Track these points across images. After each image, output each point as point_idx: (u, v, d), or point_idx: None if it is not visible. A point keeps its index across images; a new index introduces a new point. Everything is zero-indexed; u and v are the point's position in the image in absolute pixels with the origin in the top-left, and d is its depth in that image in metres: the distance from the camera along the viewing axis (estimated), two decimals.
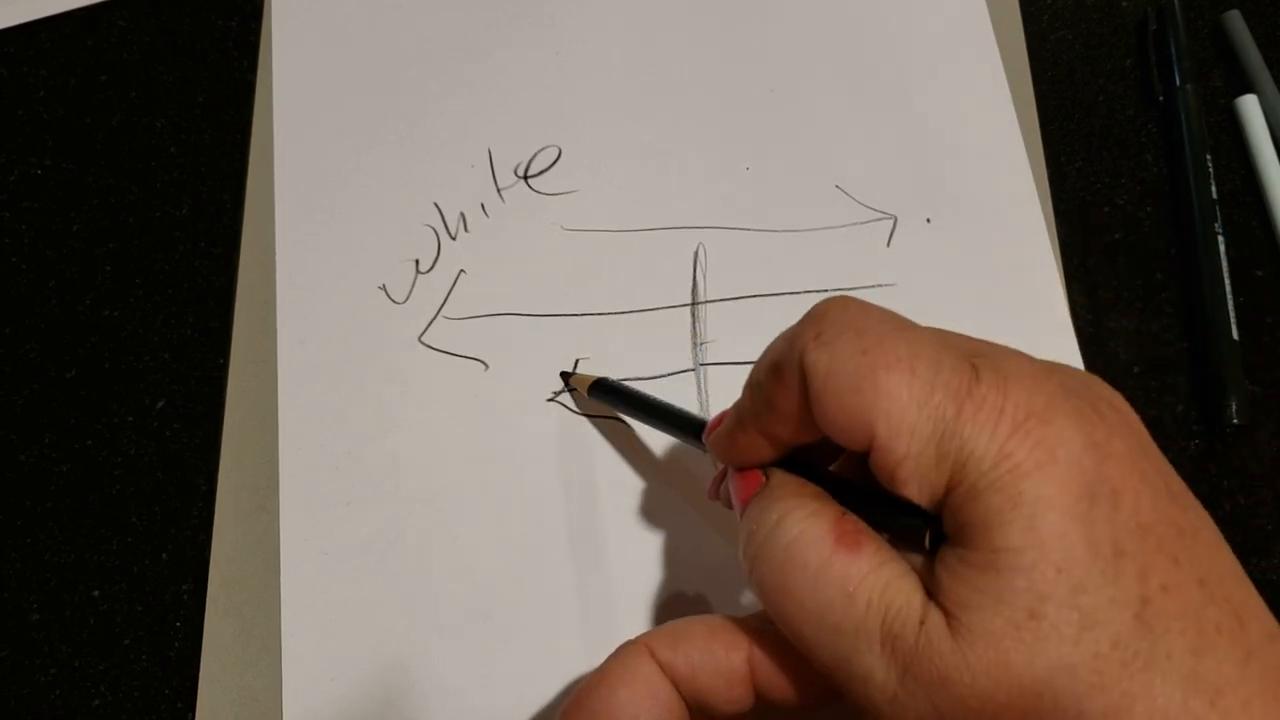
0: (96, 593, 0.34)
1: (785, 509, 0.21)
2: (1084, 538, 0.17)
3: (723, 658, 0.22)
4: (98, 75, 0.42)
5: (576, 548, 0.32)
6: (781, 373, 0.20)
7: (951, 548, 0.18)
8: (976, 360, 0.19)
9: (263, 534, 0.33)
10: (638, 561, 0.32)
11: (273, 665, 0.32)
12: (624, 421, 0.34)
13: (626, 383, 0.34)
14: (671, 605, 0.30)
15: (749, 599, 0.31)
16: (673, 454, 0.33)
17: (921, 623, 0.18)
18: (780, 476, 0.22)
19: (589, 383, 0.32)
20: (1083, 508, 0.17)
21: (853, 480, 0.22)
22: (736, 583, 0.31)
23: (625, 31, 0.40)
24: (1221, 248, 0.34)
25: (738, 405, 0.23)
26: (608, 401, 0.32)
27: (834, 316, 0.20)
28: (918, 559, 0.20)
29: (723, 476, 0.25)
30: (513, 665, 0.31)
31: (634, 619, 0.31)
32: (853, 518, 0.20)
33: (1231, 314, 0.33)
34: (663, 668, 0.23)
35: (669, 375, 0.34)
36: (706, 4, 0.40)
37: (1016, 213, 0.35)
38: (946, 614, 0.18)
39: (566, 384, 0.34)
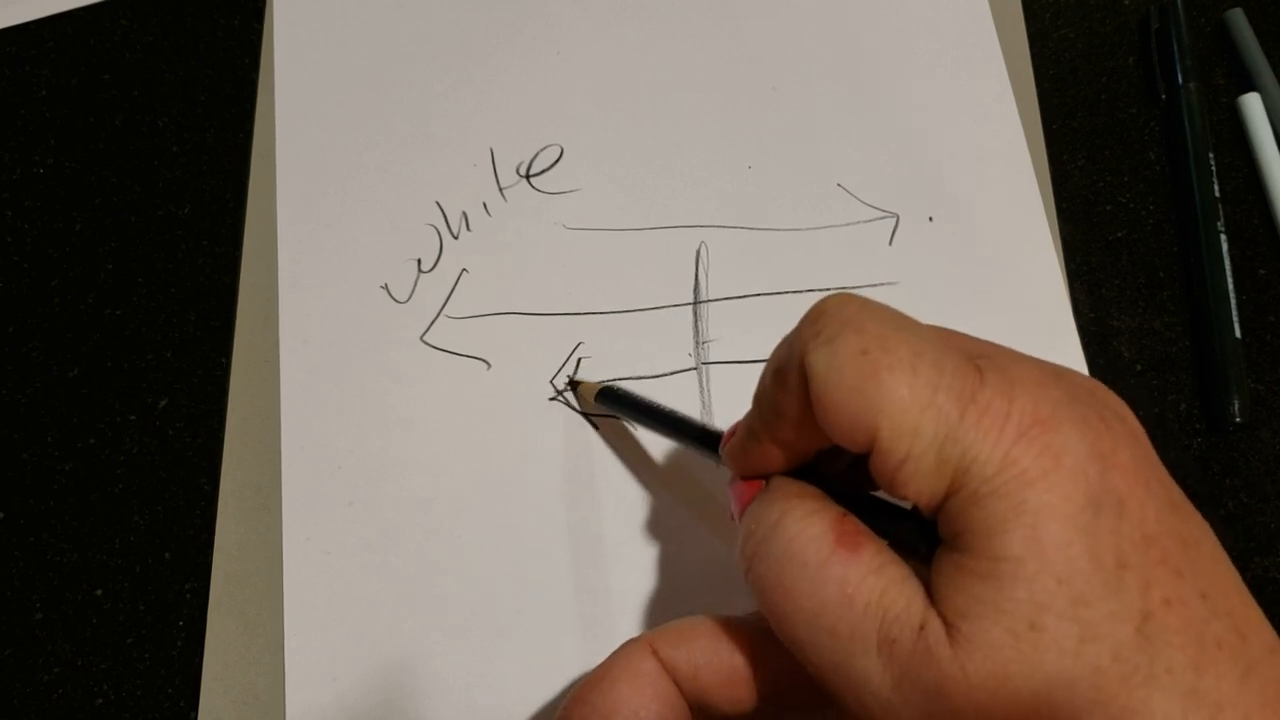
0: (99, 592, 0.34)
1: (784, 508, 0.20)
2: (1086, 549, 0.17)
3: (725, 657, 0.22)
4: (100, 74, 0.42)
5: (578, 547, 0.32)
6: (784, 376, 0.20)
7: (949, 553, 0.18)
8: (981, 363, 0.19)
9: (265, 533, 0.33)
10: (639, 561, 0.32)
11: (275, 664, 0.32)
12: (626, 423, 0.33)
13: (630, 386, 0.34)
14: (673, 605, 0.30)
15: (749, 600, 0.31)
16: (673, 455, 0.33)
17: (921, 627, 0.18)
18: (780, 479, 0.22)
19: (595, 390, 0.32)
20: (1087, 518, 0.17)
21: (851, 487, 0.22)
22: (737, 584, 0.31)
23: (627, 31, 0.40)
24: (1224, 246, 0.34)
25: (748, 416, 0.22)
26: (615, 409, 0.32)
27: (833, 314, 0.20)
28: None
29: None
30: (514, 664, 0.31)
31: (636, 618, 0.31)
32: (853, 519, 0.20)
33: (1234, 312, 0.33)
34: (665, 666, 0.23)
35: (671, 374, 0.34)
36: (708, 3, 0.40)
37: (1019, 211, 0.35)
38: (945, 621, 0.18)
39: (574, 389, 0.34)
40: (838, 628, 0.19)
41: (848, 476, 0.23)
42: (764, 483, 0.22)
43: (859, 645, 0.18)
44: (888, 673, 0.18)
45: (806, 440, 0.21)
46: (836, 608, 0.19)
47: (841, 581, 0.19)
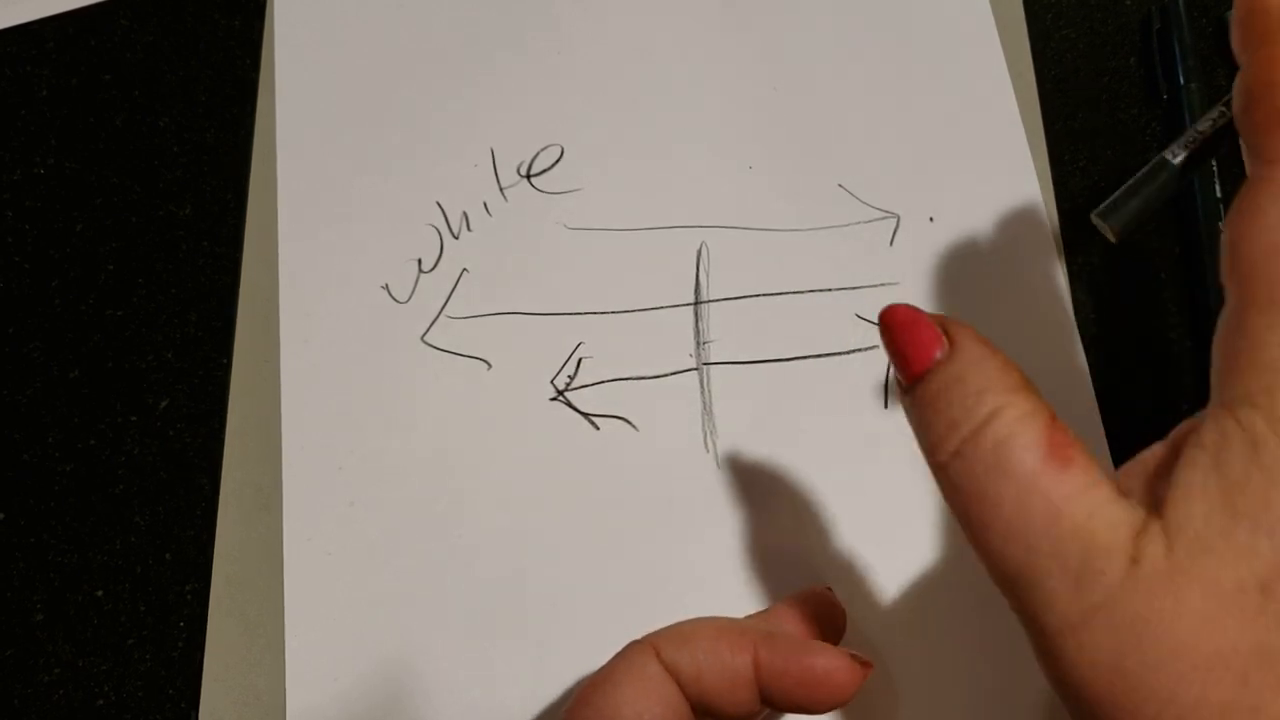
0: (100, 592, 0.34)
1: (997, 403, 0.19)
2: None
3: (728, 660, 0.23)
4: (100, 75, 0.42)
5: (579, 547, 0.32)
6: None
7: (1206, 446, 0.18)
8: None
9: (266, 533, 0.33)
10: (641, 562, 0.32)
11: (276, 665, 0.32)
12: (628, 421, 0.34)
13: (632, 386, 0.34)
14: (676, 606, 0.30)
15: (753, 601, 0.31)
16: (675, 454, 0.33)
17: (1134, 561, 0.17)
18: (975, 347, 0.20)
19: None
20: None
21: None
22: (740, 584, 0.31)
23: (627, 31, 0.40)
24: None
25: None
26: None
27: None
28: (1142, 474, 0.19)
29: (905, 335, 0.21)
30: (516, 665, 0.31)
31: (638, 619, 0.31)
32: (1063, 426, 0.19)
33: None
34: (668, 668, 0.23)
35: (672, 374, 0.34)
36: (709, 4, 0.40)
37: (1019, 211, 0.35)
38: (1171, 551, 0.17)
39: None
40: (1037, 546, 0.18)
41: None
42: (943, 340, 0.20)
43: (1056, 565, 0.18)
44: (1078, 599, 0.17)
45: None
46: (1039, 526, 0.18)
47: (1047, 498, 0.18)
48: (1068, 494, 0.18)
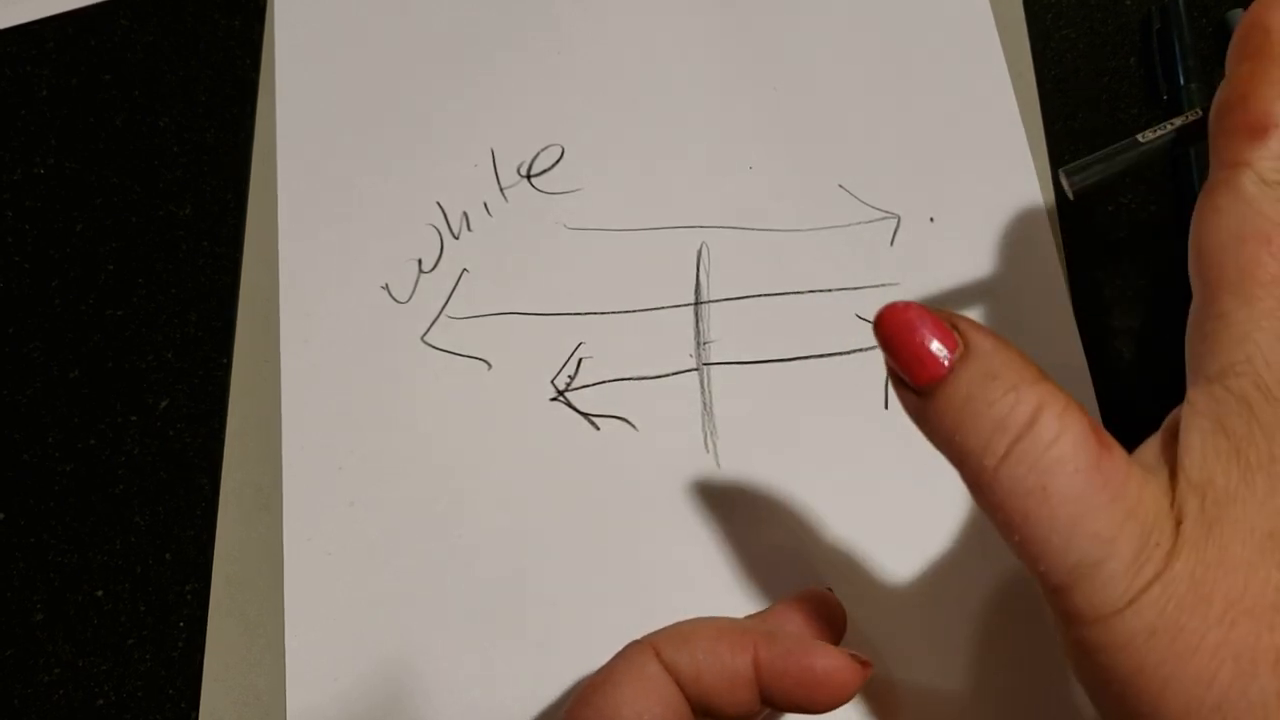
0: (100, 592, 0.34)
1: (1037, 400, 0.19)
2: None
3: (728, 660, 0.23)
4: (101, 75, 0.42)
5: (579, 547, 0.32)
6: None
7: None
8: None
9: (266, 533, 0.34)
10: (641, 562, 0.32)
11: (276, 665, 0.32)
12: (628, 421, 0.34)
13: (634, 385, 0.34)
14: (676, 606, 0.30)
15: (753, 601, 0.31)
16: (676, 454, 0.33)
17: (1178, 523, 0.18)
18: (989, 340, 0.19)
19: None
20: None
21: None
22: (740, 584, 0.31)
23: (628, 31, 0.40)
24: None
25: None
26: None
27: None
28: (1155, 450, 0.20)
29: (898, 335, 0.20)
30: (515, 664, 0.31)
31: (638, 619, 0.31)
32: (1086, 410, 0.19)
33: None
34: (668, 668, 0.23)
35: (672, 375, 0.34)
36: (709, 4, 0.40)
37: (1019, 212, 0.35)
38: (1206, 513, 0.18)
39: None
40: (1102, 531, 0.18)
41: None
42: (958, 340, 0.19)
43: (1116, 548, 0.18)
44: (1138, 577, 0.17)
45: None
46: (1105, 512, 0.18)
47: (1107, 486, 0.18)
48: (1123, 478, 0.18)
